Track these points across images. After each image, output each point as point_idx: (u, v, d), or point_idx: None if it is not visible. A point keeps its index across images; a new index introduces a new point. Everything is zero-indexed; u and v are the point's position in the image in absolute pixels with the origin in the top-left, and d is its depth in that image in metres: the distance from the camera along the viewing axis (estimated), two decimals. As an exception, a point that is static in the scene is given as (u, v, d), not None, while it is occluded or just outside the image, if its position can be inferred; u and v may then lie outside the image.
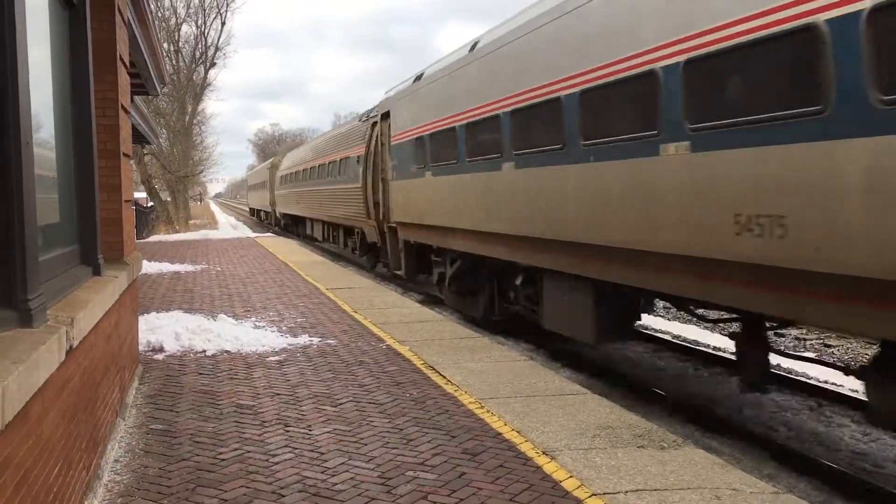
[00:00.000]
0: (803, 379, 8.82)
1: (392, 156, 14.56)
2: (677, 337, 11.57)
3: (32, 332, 2.96)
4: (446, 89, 11.53)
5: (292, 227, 35.82)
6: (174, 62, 43.33)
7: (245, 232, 37.16)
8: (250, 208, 65.01)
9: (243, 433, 5.23)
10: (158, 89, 11.74)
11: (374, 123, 16.98)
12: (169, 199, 48.81)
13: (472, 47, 10.65)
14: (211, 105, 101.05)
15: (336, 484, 4.29)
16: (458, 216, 10.99)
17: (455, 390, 6.31)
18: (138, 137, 17.09)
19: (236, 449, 4.90)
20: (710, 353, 10.15)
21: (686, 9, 6.02)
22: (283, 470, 4.52)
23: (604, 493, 4.13)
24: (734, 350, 7.50)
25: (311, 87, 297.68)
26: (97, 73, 5.27)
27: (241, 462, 4.66)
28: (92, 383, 4.17)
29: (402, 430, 5.28)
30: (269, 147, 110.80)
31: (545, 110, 8.32)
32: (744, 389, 8.10)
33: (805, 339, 11.21)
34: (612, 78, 7.05)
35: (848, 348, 10.66)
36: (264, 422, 5.49)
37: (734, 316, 7.65)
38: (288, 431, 5.26)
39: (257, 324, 9.48)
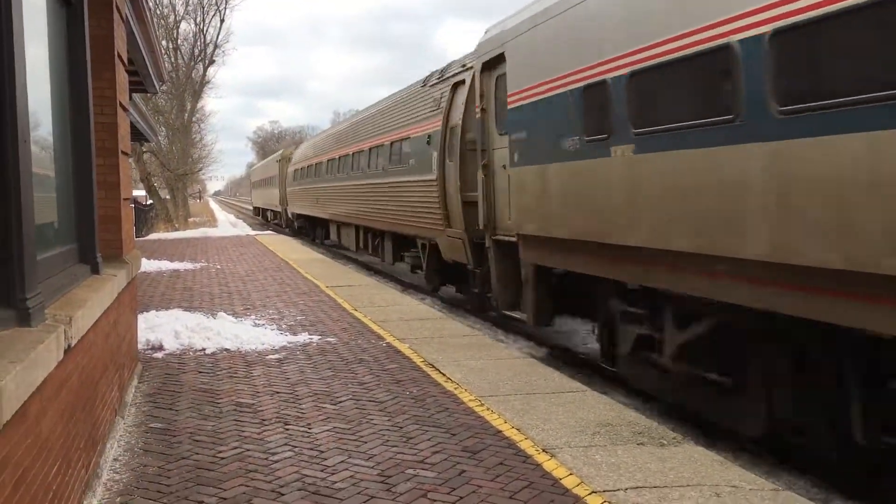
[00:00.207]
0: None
1: (509, 128, 9.35)
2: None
3: (30, 331, 2.96)
4: None
5: (308, 229, 30.38)
6: (173, 59, 43.28)
7: (245, 230, 37.13)
8: (255, 207, 57.21)
9: (243, 431, 5.23)
10: (157, 87, 11.72)
11: (459, 84, 11.87)
12: (168, 196, 48.78)
13: None
14: (210, 103, 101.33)
15: (336, 482, 4.28)
16: (722, 232, 5.57)
17: (455, 388, 6.31)
18: (137, 135, 17.07)
19: (236, 447, 4.90)
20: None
21: None
22: (283, 468, 4.51)
23: (603, 491, 4.12)
24: None
25: (310, 85, 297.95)
26: (95, 71, 5.26)
27: (241, 460, 4.65)
28: (91, 382, 4.16)
29: (401, 428, 5.28)
30: (269, 145, 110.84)
31: None
32: None
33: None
34: None
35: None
36: (264, 420, 5.49)
37: None
38: (287, 430, 5.26)
39: (257, 322, 9.48)
